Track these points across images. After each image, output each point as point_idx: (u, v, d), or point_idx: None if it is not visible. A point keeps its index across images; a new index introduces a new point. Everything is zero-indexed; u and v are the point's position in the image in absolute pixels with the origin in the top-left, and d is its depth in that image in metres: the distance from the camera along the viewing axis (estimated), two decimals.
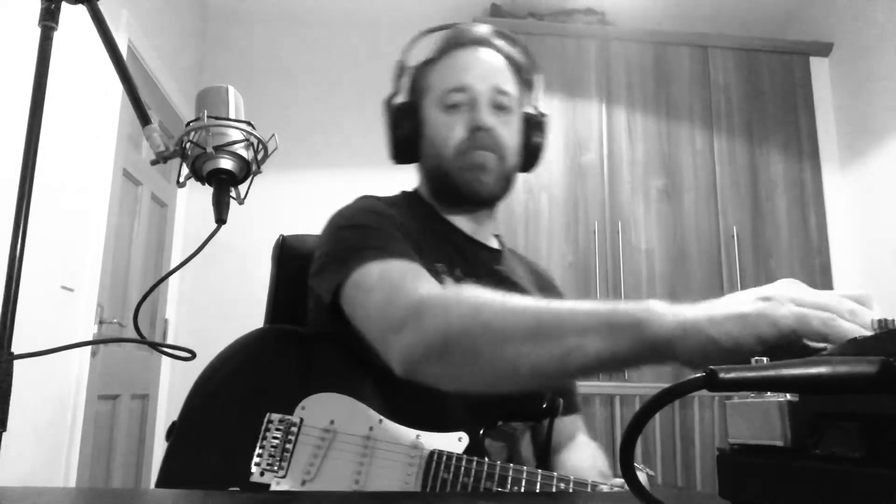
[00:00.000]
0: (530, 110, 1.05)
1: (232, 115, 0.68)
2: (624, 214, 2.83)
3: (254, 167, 0.68)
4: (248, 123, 0.68)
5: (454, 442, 0.79)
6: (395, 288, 0.75)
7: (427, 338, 0.69)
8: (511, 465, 0.77)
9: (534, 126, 1.04)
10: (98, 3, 0.65)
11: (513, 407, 0.85)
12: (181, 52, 3.08)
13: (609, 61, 2.98)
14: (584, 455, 0.99)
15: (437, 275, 0.84)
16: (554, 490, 0.74)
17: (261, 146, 0.69)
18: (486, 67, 1.00)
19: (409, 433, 0.80)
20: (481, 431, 0.81)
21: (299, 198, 3.12)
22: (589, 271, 2.74)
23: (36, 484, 1.82)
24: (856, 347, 0.36)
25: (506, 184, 1.00)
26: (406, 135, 1.01)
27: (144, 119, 0.67)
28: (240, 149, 0.66)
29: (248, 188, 0.70)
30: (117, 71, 0.66)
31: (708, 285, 2.76)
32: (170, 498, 0.65)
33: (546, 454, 0.89)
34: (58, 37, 0.62)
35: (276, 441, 0.79)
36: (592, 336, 0.60)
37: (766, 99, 3.02)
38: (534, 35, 2.96)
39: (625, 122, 2.92)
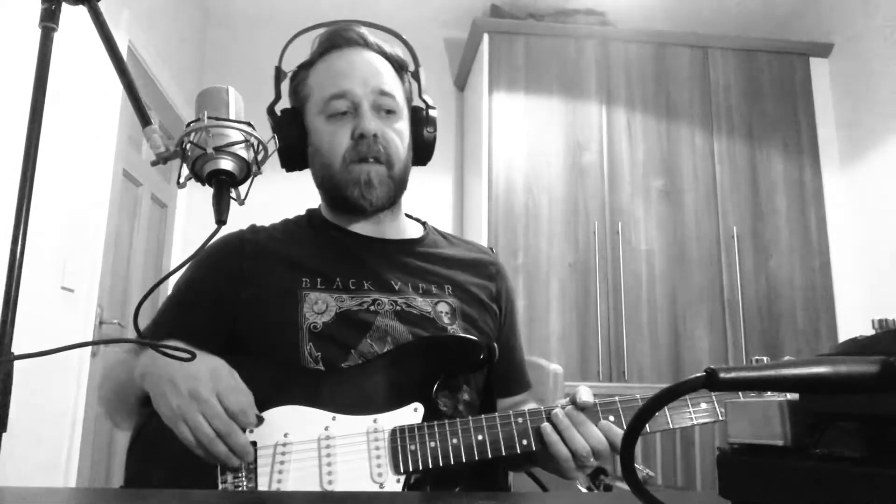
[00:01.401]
0: (419, 104, 1.04)
1: (232, 116, 0.68)
2: (624, 214, 2.83)
3: (254, 168, 0.68)
4: (249, 124, 0.68)
5: (410, 414, 0.81)
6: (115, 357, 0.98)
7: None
8: (470, 417, 0.81)
9: (424, 120, 1.02)
10: (98, 3, 0.65)
11: (455, 363, 0.87)
12: (181, 52, 3.08)
13: (609, 61, 2.98)
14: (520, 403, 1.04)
15: (293, 294, 0.90)
16: (513, 424, 0.80)
17: (261, 147, 0.68)
18: (366, 70, 0.96)
19: (365, 420, 0.80)
20: (432, 395, 0.83)
21: (299, 199, 3.11)
22: (589, 271, 2.74)
23: (36, 484, 1.82)
24: (856, 347, 0.36)
25: (396, 189, 0.98)
26: (292, 143, 0.98)
27: (144, 119, 0.66)
28: (240, 149, 0.66)
29: (249, 189, 0.70)
30: (117, 71, 0.66)
31: (708, 285, 2.76)
32: (170, 498, 0.65)
33: (490, 397, 0.92)
34: (58, 37, 0.62)
35: (235, 469, 0.76)
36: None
37: (766, 99, 3.02)
38: (534, 35, 2.96)
39: (625, 122, 2.92)
